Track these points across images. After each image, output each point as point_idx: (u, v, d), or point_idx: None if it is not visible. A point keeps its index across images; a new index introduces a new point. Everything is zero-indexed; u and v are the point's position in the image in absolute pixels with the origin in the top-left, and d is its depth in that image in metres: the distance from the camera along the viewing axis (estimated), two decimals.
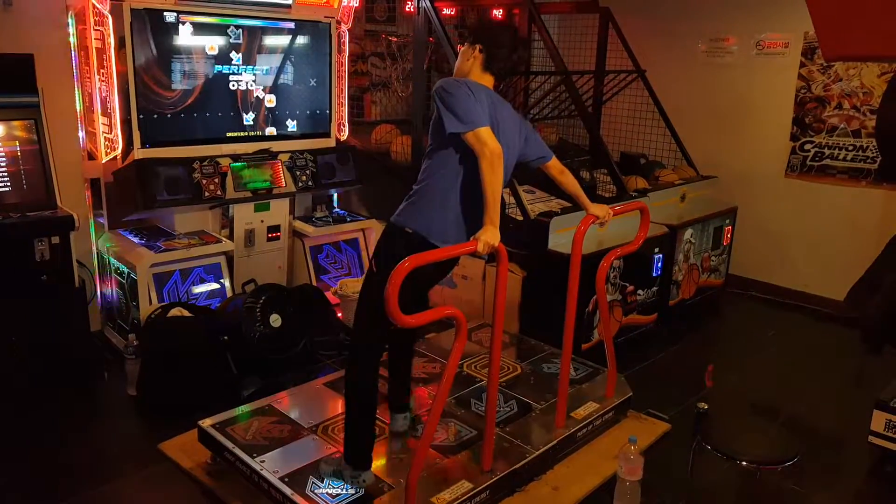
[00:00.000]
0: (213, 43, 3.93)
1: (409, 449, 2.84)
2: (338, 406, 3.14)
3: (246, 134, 4.16)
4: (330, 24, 4.37)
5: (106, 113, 3.71)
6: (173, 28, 3.75)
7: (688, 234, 4.63)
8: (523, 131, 2.76)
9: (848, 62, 4.85)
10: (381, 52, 5.43)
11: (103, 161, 3.82)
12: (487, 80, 2.66)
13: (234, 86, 4.04)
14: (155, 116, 3.78)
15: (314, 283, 4.46)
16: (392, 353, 3.01)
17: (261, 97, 4.17)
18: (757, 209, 5.35)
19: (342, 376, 3.40)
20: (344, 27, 4.47)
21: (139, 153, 3.74)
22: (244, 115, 4.13)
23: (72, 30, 3.79)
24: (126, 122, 3.69)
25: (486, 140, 2.37)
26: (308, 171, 4.31)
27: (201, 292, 3.95)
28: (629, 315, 4.20)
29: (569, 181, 2.94)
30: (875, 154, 4.85)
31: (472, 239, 2.40)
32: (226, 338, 3.52)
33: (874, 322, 3.13)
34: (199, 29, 3.85)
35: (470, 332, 3.79)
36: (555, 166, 2.92)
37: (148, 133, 3.76)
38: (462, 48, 2.73)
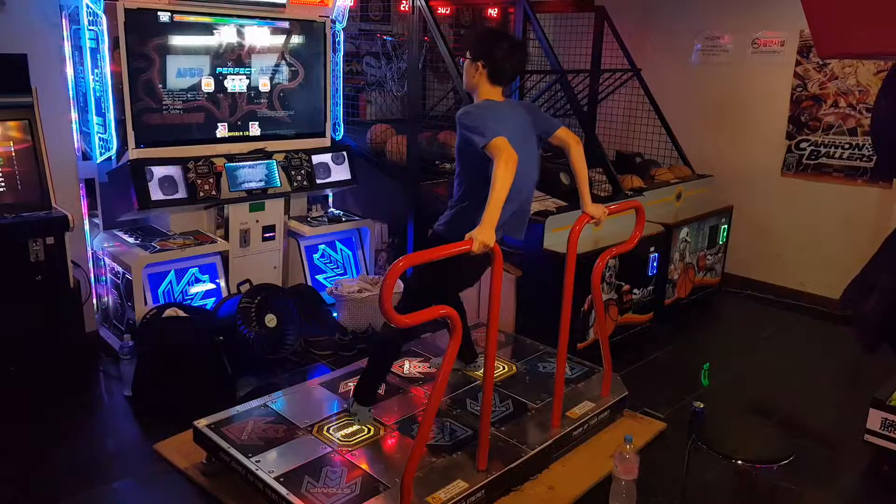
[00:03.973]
0: (208, 42, 3.92)
1: (404, 448, 2.84)
2: (333, 405, 3.14)
3: (240, 134, 4.15)
4: (324, 23, 4.36)
5: (100, 113, 3.70)
6: (167, 28, 3.74)
7: (683, 233, 4.63)
8: (531, 116, 2.92)
9: (843, 60, 4.86)
10: (376, 51, 5.43)
11: (98, 161, 3.81)
12: (497, 91, 2.86)
13: (228, 85, 4.03)
14: (149, 116, 3.77)
15: (309, 283, 4.45)
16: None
17: (255, 97, 4.17)
18: (753, 208, 5.35)
19: (337, 376, 3.43)
20: (339, 26, 4.46)
21: (134, 153, 3.73)
22: (239, 115, 4.12)
23: (66, 29, 3.78)
24: (120, 123, 3.68)
25: (502, 147, 2.53)
26: (303, 171, 4.31)
27: (196, 292, 3.94)
28: (625, 314, 4.20)
29: (580, 157, 2.99)
30: (871, 152, 4.85)
31: (466, 238, 2.40)
32: (221, 338, 3.51)
33: (870, 320, 3.14)
34: (194, 28, 3.85)
35: None
36: (567, 135, 2.97)
37: (142, 133, 3.75)
38: (464, 63, 2.89)
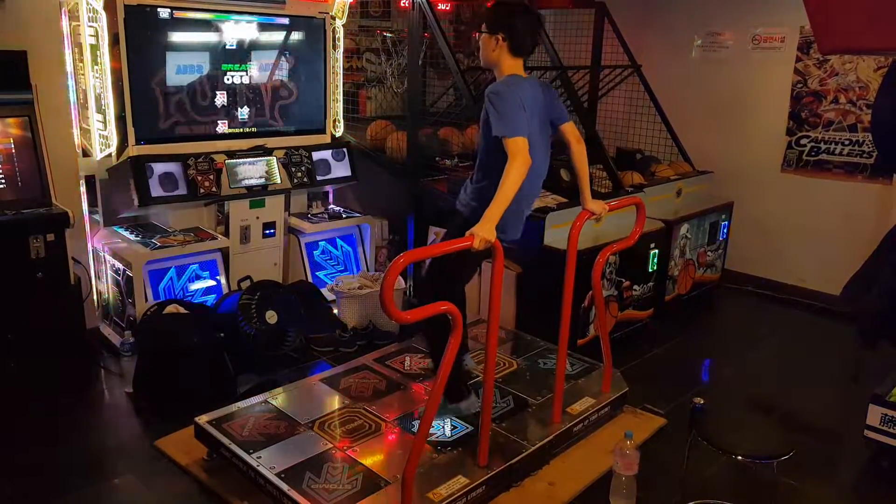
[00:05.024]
0: (208, 39, 3.91)
1: (405, 444, 2.84)
2: (334, 402, 3.15)
3: (241, 130, 4.15)
4: (324, 19, 4.36)
5: (100, 109, 3.70)
6: (167, 24, 3.73)
7: (684, 229, 4.63)
8: (550, 96, 2.94)
9: (844, 56, 4.85)
10: (376, 47, 5.42)
11: (98, 158, 3.81)
12: (518, 63, 2.84)
13: (228, 82, 4.03)
14: (149, 113, 3.76)
15: (310, 280, 4.45)
16: None
17: (255, 93, 4.16)
18: (753, 204, 5.35)
19: (338, 373, 3.43)
20: (338, 23, 4.46)
21: (134, 150, 3.73)
22: (239, 112, 4.12)
23: (66, 26, 3.78)
24: (120, 119, 3.68)
25: (521, 148, 2.56)
26: (303, 168, 4.31)
27: (197, 289, 3.94)
28: (625, 310, 4.20)
29: (581, 155, 3.01)
30: (871, 148, 4.85)
31: (467, 234, 2.40)
32: (222, 335, 3.52)
33: (870, 317, 3.14)
34: (194, 25, 3.84)
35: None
36: (572, 132, 2.99)
37: (143, 130, 3.75)
38: (482, 38, 2.84)
